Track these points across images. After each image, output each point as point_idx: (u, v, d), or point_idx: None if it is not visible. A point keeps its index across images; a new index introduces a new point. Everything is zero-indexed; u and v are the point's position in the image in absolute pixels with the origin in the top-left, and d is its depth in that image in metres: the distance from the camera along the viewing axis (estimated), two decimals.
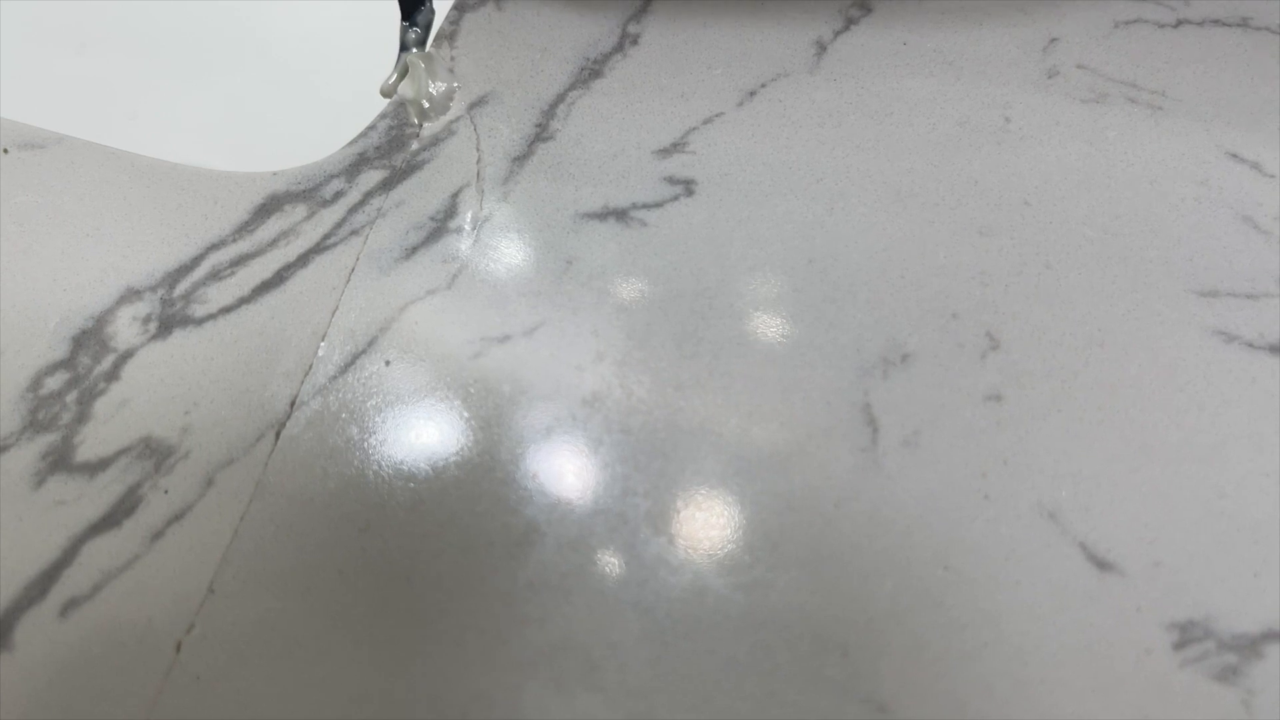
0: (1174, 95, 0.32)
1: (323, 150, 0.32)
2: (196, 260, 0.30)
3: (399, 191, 0.31)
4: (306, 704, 0.25)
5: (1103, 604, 0.26)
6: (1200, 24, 0.33)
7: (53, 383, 0.28)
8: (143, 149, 0.32)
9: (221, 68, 0.38)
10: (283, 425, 0.28)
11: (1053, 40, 0.33)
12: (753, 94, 0.32)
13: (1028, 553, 0.26)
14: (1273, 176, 0.30)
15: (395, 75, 0.29)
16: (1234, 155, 0.31)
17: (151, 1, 0.39)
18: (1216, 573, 0.26)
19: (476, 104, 0.32)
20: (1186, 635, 0.25)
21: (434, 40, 0.33)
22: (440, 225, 0.31)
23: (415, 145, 0.32)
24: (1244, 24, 0.33)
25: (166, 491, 0.27)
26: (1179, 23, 0.33)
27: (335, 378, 0.28)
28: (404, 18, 0.30)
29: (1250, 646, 0.25)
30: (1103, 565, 0.26)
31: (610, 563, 0.26)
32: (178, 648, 0.26)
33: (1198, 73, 0.32)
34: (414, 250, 0.30)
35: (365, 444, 0.28)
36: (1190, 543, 0.26)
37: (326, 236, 0.30)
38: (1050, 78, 0.32)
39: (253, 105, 0.35)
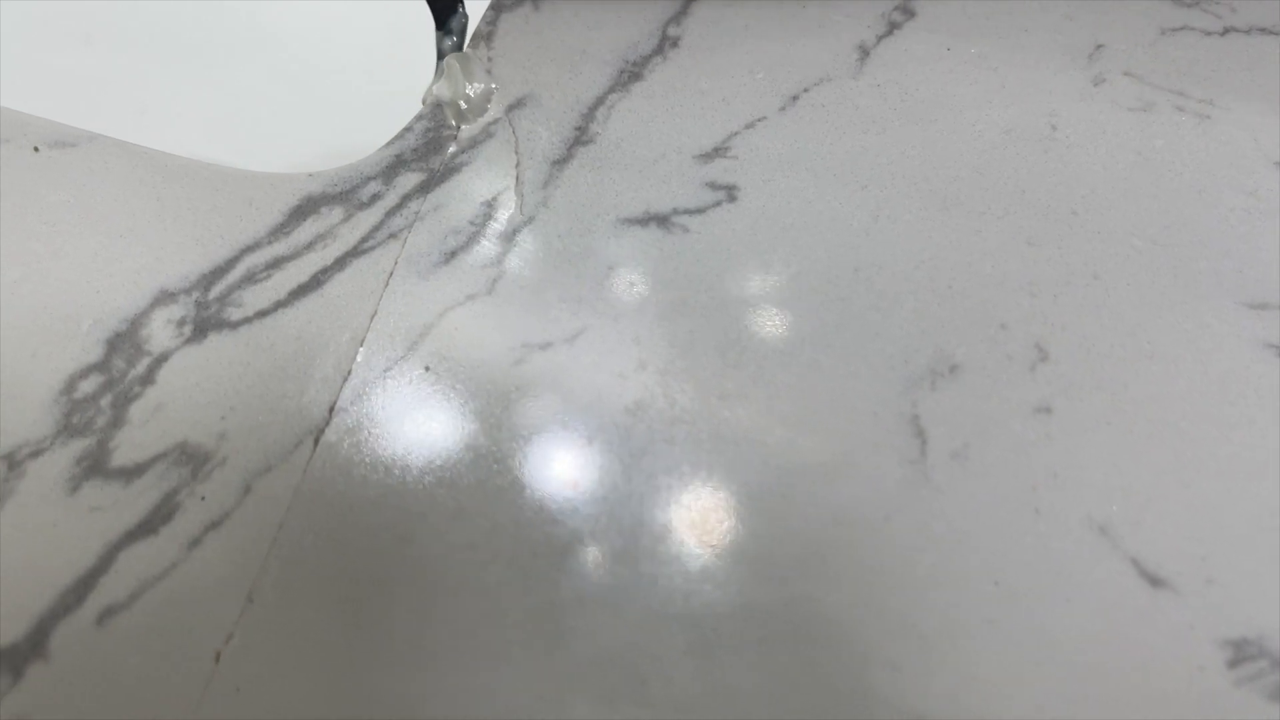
0: (1222, 104, 0.31)
1: (359, 152, 0.31)
2: (231, 263, 0.30)
3: (437, 195, 0.31)
4: (348, 717, 0.24)
5: (1155, 621, 0.25)
6: (1247, 32, 0.32)
7: (87, 386, 0.28)
8: (174, 148, 0.32)
9: (256, 67, 0.37)
10: (321, 431, 0.27)
11: (1099, 47, 0.32)
12: (795, 98, 0.32)
13: (1079, 568, 0.26)
14: None
15: (435, 83, 0.29)
16: None
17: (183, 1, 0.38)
18: (1270, 590, 0.25)
19: (515, 106, 0.32)
20: (1240, 653, 0.25)
21: (470, 41, 0.33)
22: (479, 229, 0.30)
23: (453, 148, 0.31)
24: None
25: (204, 498, 0.27)
26: (1226, 30, 0.33)
27: (374, 384, 0.28)
28: (438, 26, 0.29)
29: None
30: (1155, 581, 0.26)
31: (655, 575, 0.26)
32: (217, 658, 0.25)
33: (1245, 81, 0.32)
34: (453, 255, 0.30)
35: (406, 452, 0.27)
36: (1243, 559, 0.26)
37: (364, 240, 0.30)
38: (1096, 85, 0.32)
39: (287, 105, 0.35)
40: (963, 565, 0.26)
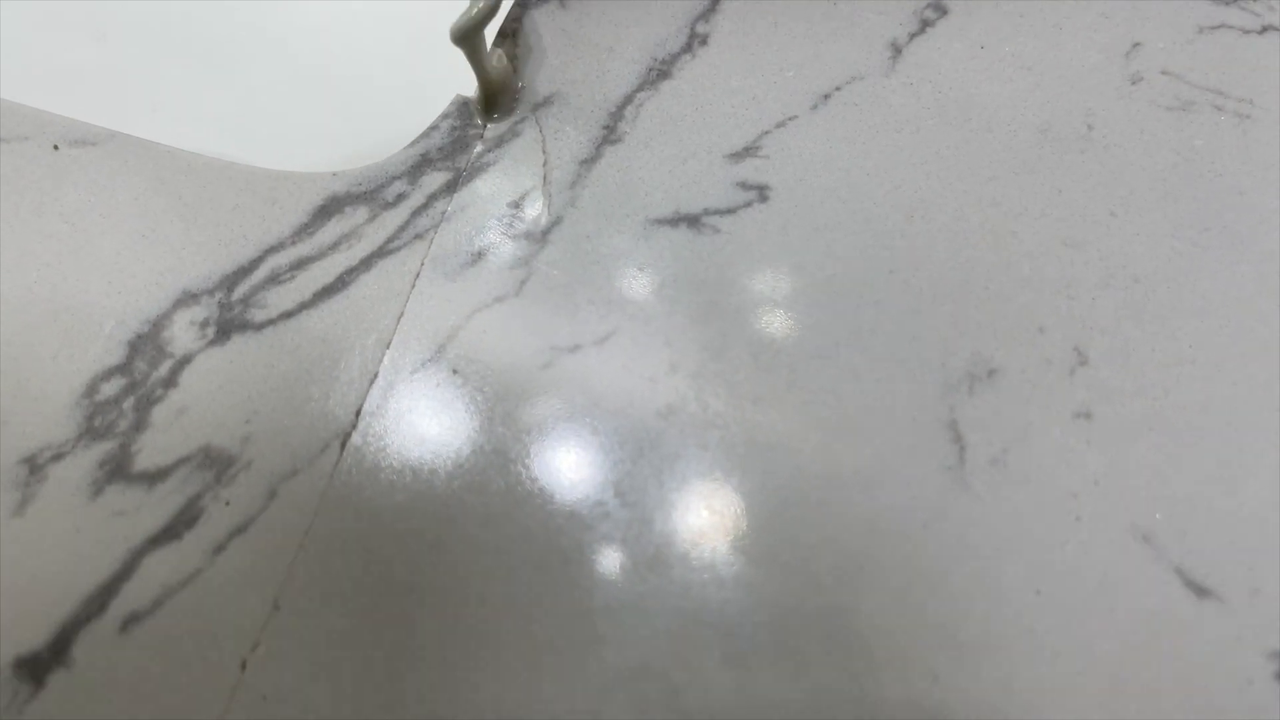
0: (1262, 104, 0.31)
1: (383, 150, 0.31)
2: (255, 263, 0.29)
3: (464, 194, 0.30)
4: None
5: (1201, 632, 0.25)
6: None
7: (109, 388, 0.28)
8: (196, 146, 0.31)
9: (279, 64, 0.37)
10: (348, 435, 0.27)
11: (1135, 45, 0.32)
12: (827, 97, 0.31)
13: (1122, 577, 0.25)
14: None
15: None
16: None
17: (224, 9, 0.38)
18: None
19: (542, 105, 0.31)
20: None
21: (496, 39, 0.32)
22: (507, 230, 0.30)
23: (479, 147, 0.31)
24: None
25: (228, 503, 0.26)
26: (1264, 29, 0.32)
27: (401, 386, 0.28)
28: None
29: None
30: (1201, 591, 0.25)
31: (690, 583, 0.25)
32: (243, 666, 0.25)
33: None
34: (480, 255, 0.29)
35: (433, 456, 0.27)
36: None
37: (390, 240, 0.29)
38: (1134, 84, 0.31)
39: (310, 103, 0.34)
40: (1002, 574, 0.25)
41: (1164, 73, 0.31)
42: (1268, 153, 0.30)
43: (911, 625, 0.25)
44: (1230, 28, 0.32)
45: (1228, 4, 0.32)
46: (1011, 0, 0.33)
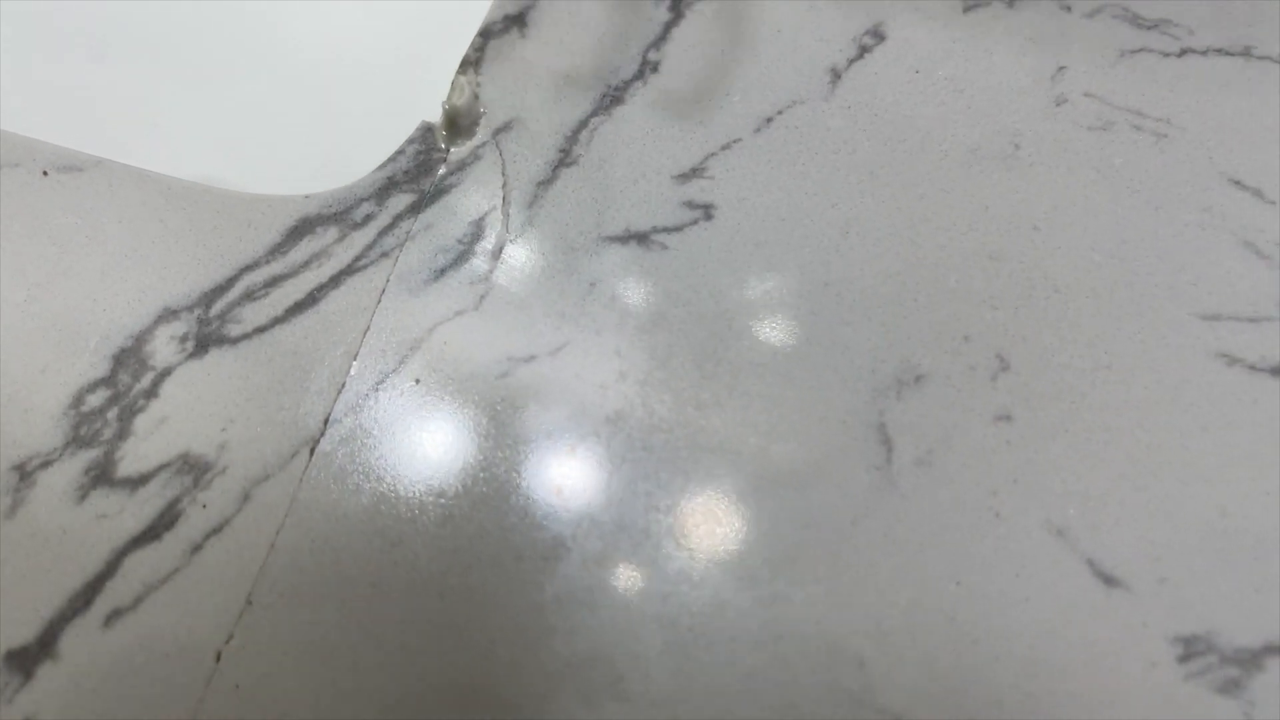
0: (1178, 123, 0.33)
1: (353, 173, 0.33)
2: (231, 281, 0.31)
3: (427, 215, 0.32)
4: (341, 713, 0.26)
5: (1110, 619, 0.26)
6: (1204, 53, 0.34)
7: (94, 399, 0.29)
8: (178, 169, 0.33)
9: (257, 92, 0.39)
10: (316, 442, 0.29)
11: (1061, 68, 0.34)
12: (769, 120, 0.33)
13: (1037, 569, 0.27)
14: (1273, 203, 0.31)
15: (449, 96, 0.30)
16: (1236, 182, 0.32)
17: (201, 40, 0.40)
18: (1219, 588, 0.27)
19: (502, 129, 0.33)
20: (1190, 649, 0.26)
21: (460, 67, 0.34)
22: (468, 248, 0.32)
23: (442, 170, 0.33)
24: (1246, 53, 0.34)
25: (205, 506, 0.28)
26: (1183, 51, 0.34)
27: (367, 396, 0.29)
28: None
29: (1252, 659, 0.26)
30: (1110, 581, 0.27)
31: (634, 577, 0.27)
32: (218, 657, 0.27)
33: (1201, 101, 0.33)
34: (442, 272, 0.31)
35: (396, 460, 0.29)
36: (1194, 559, 0.27)
37: (357, 258, 0.31)
38: (1058, 105, 0.33)
39: (285, 128, 0.36)
40: (925, 566, 0.27)
41: (1087, 94, 0.33)
42: (1183, 169, 0.32)
43: (840, 614, 0.27)
44: (1151, 51, 0.34)
45: (1149, 28, 0.34)
46: (947, 27, 0.35)
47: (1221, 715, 0.25)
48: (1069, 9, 0.35)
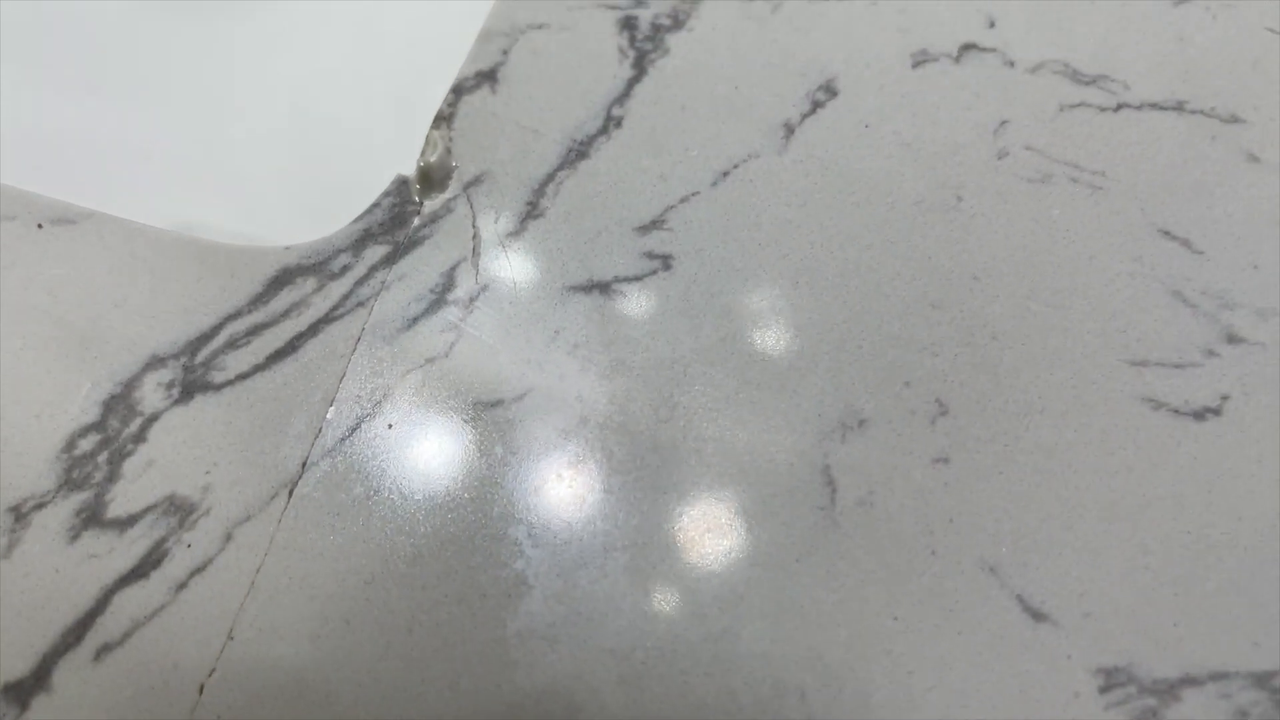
0: (1113, 175, 0.34)
1: (331, 225, 0.35)
2: (215, 330, 0.33)
3: (401, 265, 0.34)
4: None
5: (1037, 651, 0.28)
6: (1139, 108, 0.36)
7: (85, 444, 0.31)
8: (165, 220, 0.35)
9: (239, 144, 0.41)
10: (295, 484, 0.31)
11: (1003, 122, 0.36)
12: (726, 174, 0.35)
13: (970, 604, 0.29)
14: (1201, 253, 0.33)
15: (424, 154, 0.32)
16: (1166, 233, 0.33)
17: (188, 97, 0.41)
18: (1140, 623, 0.28)
19: (472, 183, 0.35)
20: (1111, 680, 0.28)
21: (433, 122, 0.36)
22: (439, 297, 0.33)
23: (416, 222, 0.35)
24: (1179, 108, 0.36)
25: (189, 546, 0.30)
26: (1119, 106, 0.36)
27: (342, 440, 0.31)
28: None
29: (1169, 690, 0.28)
30: (1038, 616, 0.29)
31: (592, 613, 0.29)
32: (200, 689, 0.28)
33: (1135, 154, 0.35)
34: (415, 321, 0.33)
35: (370, 502, 0.30)
36: (1118, 595, 0.29)
37: (335, 308, 0.33)
38: (1000, 159, 0.35)
39: (267, 180, 0.38)
40: (864, 602, 0.29)
41: (1027, 148, 0.35)
42: (1116, 220, 0.34)
43: (783, 648, 0.28)
44: (1089, 105, 0.36)
45: (1088, 84, 0.36)
46: (896, 82, 0.37)
47: None
48: (1012, 64, 0.37)
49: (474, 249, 0.34)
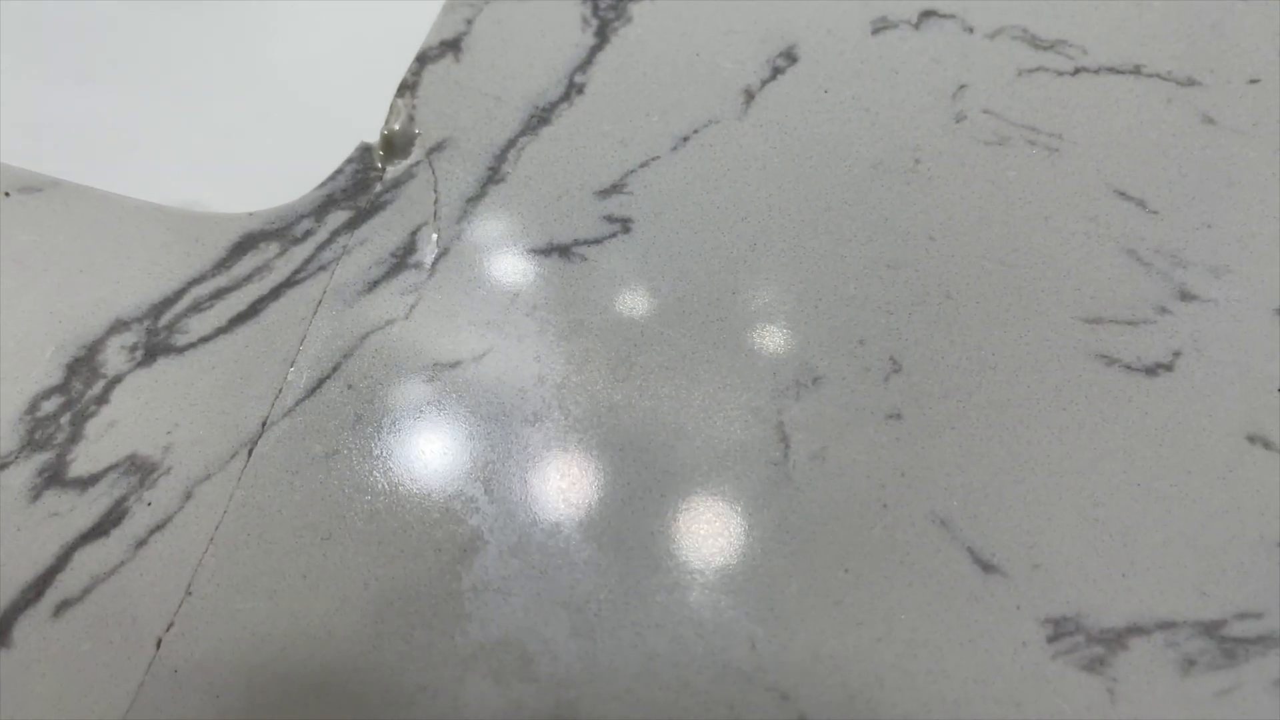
0: (1070, 138, 0.35)
1: (295, 191, 0.35)
2: (179, 294, 0.33)
3: (363, 230, 0.34)
4: (271, 694, 0.28)
5: (986, 602, 0.28)
6: (1096, 71, 0.36)
7: (48, 406, 0.32)
8: (130, 189, 0.35)
9: (204, 112, 0.41)
10: (255, 444, 0.31)
11: (961, 87, 0.36)
12: (686, 139, 0.35)
13: (920, 556, 0.29)
14: (1155, 213, 0.33)
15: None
16: (1121, 193, 0.34)
17: (154, 66, 0.42)
18: (1089, 574, 0.29)
19: (435, 149, 0.36)
20: (1060, 630, 0.28)
21: (397, 91, 0.36)
22: (400, 261, 0.34)
23: (378, 187, 0.35)
24: (1136, 71, 0.36)
25: (150, 504, 0.30)
26: (1077, 70, 0.36)
27: (302, 401, 0.32)
28: None
29: (1116, 639, 0.28)
30: (987, 567, 0.29)
31: (546, 566, 0.29)
32: (158, 644, 0.29)
33: (1092, 117, 0.35)
34: (375, 284, 0.33)
35: (328, 460, 0.31)
36: (1067, 547, 0.29)
37: (296, 272, 0.33)
38: (958, 122, 0.35)
39: (232, 148, 0.38)
40: (816, 554, 0.29)
41: (985, 111, 0.35)
42: (1072, 181, 0.34)
43: (735, 599, 0.29)
44: (1047, 70, 0.36)
45: (1046, 49, 0.36)
46: (856, 49, 0.37)
47: (1086, 691, 0.27)
48: (971, 30, 0.37)
49: (435, 213, 0.34)
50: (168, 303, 0.33)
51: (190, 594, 0.29)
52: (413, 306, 0.33)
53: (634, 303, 0.33)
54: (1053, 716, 0.27)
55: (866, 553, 0.29)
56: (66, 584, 0.29)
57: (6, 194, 0.35)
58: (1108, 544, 0.29)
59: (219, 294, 0.33)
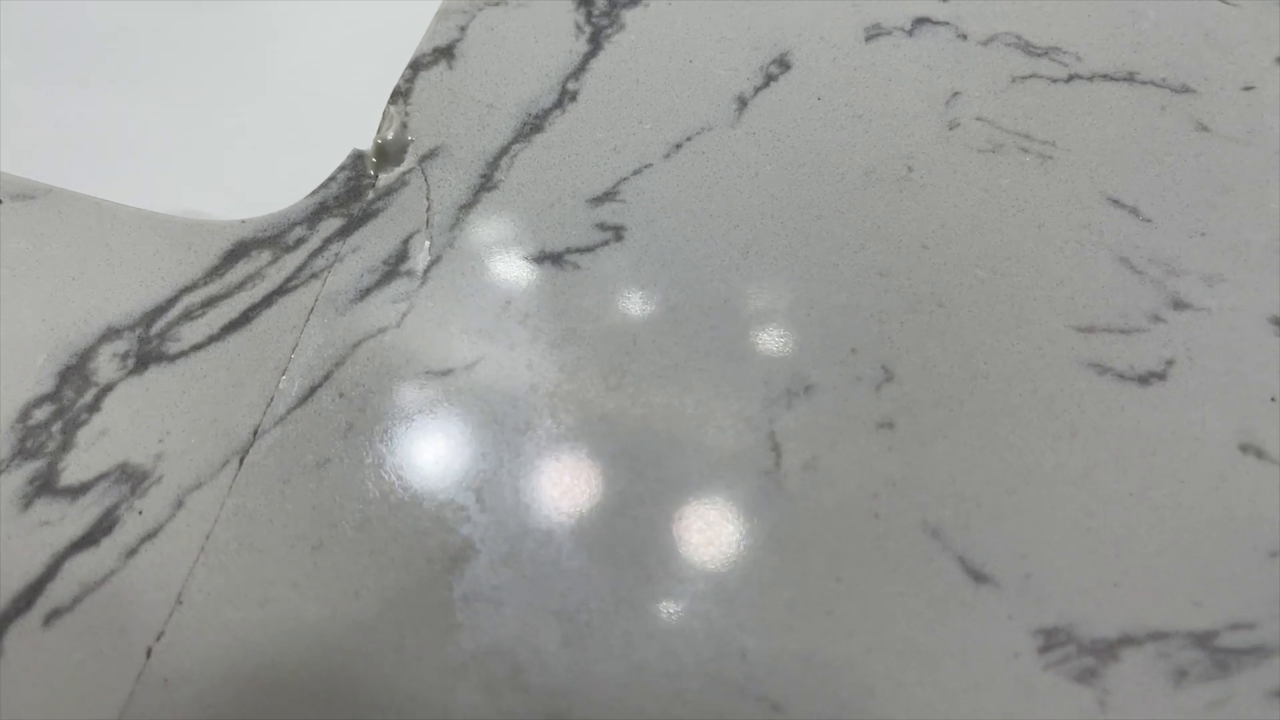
0: (1063, 145, 0.35)
1: (288, 199, 0.35)
2: (171, 302, 0.33)
3: (355, 238, 0.34)
4: (261, 705, 0.28)
5: (977, 612, 0.28)
6: (1090, 79, 0.36)
7: (40, 414, 0.32)
8: (125, 193, 0.35)
9: (198, 121, 0.41)
10: (246, 452, 0.31)
11: (955, 94, 0.36)
12: (679, 146, 0.35)
13: (912, 566, 0.29)
14: (1149, 220, 0.33)
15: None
16: (1115, 201, 0.34)
17: (149, 74, 0.42)
18: (1081, 584, 0.29)
19: (427, 156, 0.35)
20: (1051, 640, 0.28)
21: (390, 98, 0.36)
22: (392, 269, 0.34)
23: (371, 195, 0.35)
24: (1130, 78, 0.36)
25: (141, 513, 0.30)
26: (1070, 77, 0.36)
27: (294, 409, 0.32)
28: None
29: (1108, 650, 0.28)
30: (979, 577, 0.29)
31: (537, 576, 0.29)
32: (148, 653, 0.29)
33: (1086, 124, 0.35)
34: (368, 292, 0.33)
35: (319, 469, 0.31)
36: (1059, 557, 0.29)
37: (289, 280, 0.33)
38: (951, 129, 0.35)
39: (224, 156, 0.38)
40: (807, 564, 0.29)
41: (978, 119, 0.35)
42: (1065, 189, 0.34)
43: (725, 609, 0.29)
44: (1040, 77, 0.36)
45: (1039, 55, 0.36)
46: (849, 56, 0.37)
47: (1077, 702, 0.27)
48: (964, 37, 0.37)
49: (428, 221, 0.34)
50: (160, 310, 0.33)
51: (181, 603, 0.29)
52: (405, 314, 0.33)
53: (626, 311, 0.33)
54: None
55: (857, 562, 0.29)
56: (57, 593, 0.29)
57: (0, 201, 0.35)
58: (1100, 554, 0.29)
59: (211, 302, 0.33)
